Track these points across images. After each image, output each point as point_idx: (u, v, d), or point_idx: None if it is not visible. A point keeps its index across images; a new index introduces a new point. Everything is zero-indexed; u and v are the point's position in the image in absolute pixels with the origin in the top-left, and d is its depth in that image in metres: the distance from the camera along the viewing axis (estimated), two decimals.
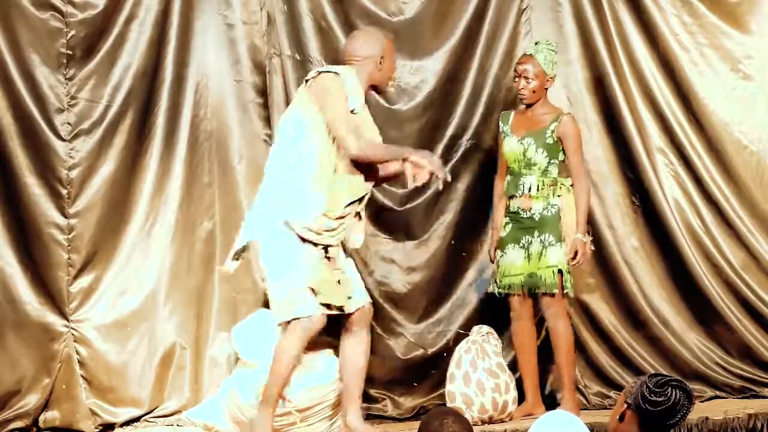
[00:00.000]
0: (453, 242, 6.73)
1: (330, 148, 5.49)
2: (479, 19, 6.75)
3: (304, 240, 5.48)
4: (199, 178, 6.64)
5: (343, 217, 5.53)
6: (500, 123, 6.32)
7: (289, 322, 5.48)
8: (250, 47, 6.69)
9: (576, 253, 6.11)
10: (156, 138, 6.58)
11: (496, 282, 6.29)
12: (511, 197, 6.24)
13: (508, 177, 6.25)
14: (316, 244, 5.49)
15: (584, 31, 6.78)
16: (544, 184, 6.15)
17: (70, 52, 6.49)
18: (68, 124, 6.49)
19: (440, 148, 6.69)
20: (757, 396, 6.40)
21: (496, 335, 6.32)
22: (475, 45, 6.76)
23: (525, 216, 6.17)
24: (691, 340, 6.64)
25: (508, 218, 6.24)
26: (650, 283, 6.71)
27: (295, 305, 5.45)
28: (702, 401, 6.38)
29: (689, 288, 6.65)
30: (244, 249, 5.73)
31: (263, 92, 6.68)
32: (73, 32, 6.49)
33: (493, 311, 6.63)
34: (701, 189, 6.72)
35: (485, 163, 6.71)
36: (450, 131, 6.75)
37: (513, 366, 6.39)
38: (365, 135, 5.54)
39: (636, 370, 6.56)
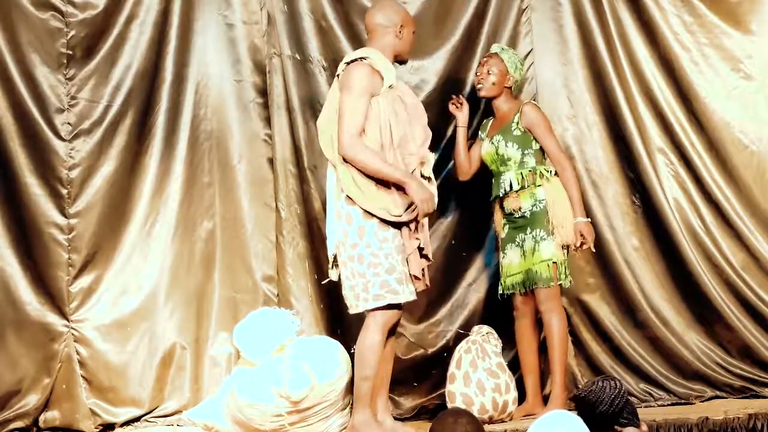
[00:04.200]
0: (453, 242, 6.73)
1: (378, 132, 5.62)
2: (479, 19, 6.76)
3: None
4: (199, 178, 6.64)
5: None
6: (480, 133, 6.45)
7: None
8: (250, 47, 6.70)
9: (582, 236, 6.16)
10: (156, 138, 6.60)
11: (501, 283, 6.36)
12: (501, 199, 6.31)
13: (493, 180, 6.36)
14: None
15: (584, 31, 6.78)
16: (522, 177, 6.24)
17: (70, 52, 6.50)
18: (68, 124, 6.51)
19: (440, 148, 6.69)
20: (757, 396, 6.39)
21: (496, 335, 6.32)
22: (475, 45, 6.76)
23: (517, 216, 6.25)
24: (691, 340, 6.63)
25: (505, 220, 6.32)
26: (650, 283, 6.70)
27: None
28: (702, 401, 6.39)
29: (689, 288, 6.64)
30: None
31: (263, 92, 6.69)
32: (73, 32, 6.50)
33: (493, 311, 6.64)
34: (701, 189, 6.71)
35: (485, 163, 6.71)
36: (450, 131, 6.74)
37: (513, 366, 6.39)
38: (368, 144, 5.58)
39: (636, 370, 6.56)
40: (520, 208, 6.24)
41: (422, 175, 5.73)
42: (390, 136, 5.62)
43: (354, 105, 5.57)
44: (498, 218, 6.43)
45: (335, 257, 5.76)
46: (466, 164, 6.46)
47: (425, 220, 5.72)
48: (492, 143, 6.31)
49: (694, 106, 6.73)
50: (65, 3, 6.50)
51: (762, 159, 6.69)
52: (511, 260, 6.27)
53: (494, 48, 6.46)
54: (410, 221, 5.61)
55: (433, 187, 5.76)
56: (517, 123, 6.27)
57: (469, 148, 6.48)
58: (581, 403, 4.10)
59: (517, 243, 6.25)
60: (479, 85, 6.37)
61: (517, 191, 6.24)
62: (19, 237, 6.44)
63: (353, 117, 5.56)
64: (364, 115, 5.59)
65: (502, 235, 6.34)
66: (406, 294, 5.61)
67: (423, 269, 5.72)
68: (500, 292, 6.35)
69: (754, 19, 6.72)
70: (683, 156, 6.72)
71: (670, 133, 6.73)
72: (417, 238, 5.66)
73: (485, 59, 6.40)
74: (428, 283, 5.79)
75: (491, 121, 6.46)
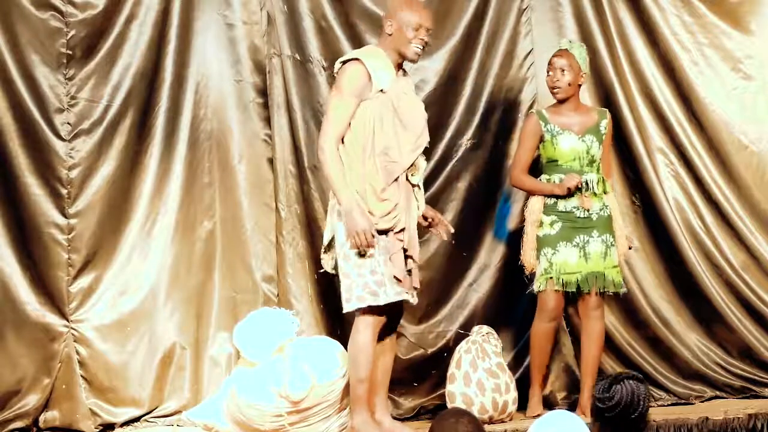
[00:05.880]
0: (453, 242, 6.72)
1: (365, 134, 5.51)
2: (479, 19, 6.76)
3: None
4: (199, 178, 6.64)
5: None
6: (540, 121, 6.18)
7: None
8: (250, 47, 6.70)
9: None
10: (156, 138, 6.59)
11: (539, 279, 6.12)
12: (565, 196, 6.11)
13: (562, 175, 6.12)
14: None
15: (584, 31, 6.78)
16: (600, 180, 6.14)
17: (70, 52, 6.50)
18: (68, 124, 6.50)
19: (440, 148, 6.70)
20: (757, 396, 6.40)
21: (496, 335, 6.32)
22: (475, 45, 6.76)
23: (581, 216, 6.11)
24: (691, 340, 6.64)
25: (555, 216, 6.12)
26: (650, 283, 6.71)
27: None
28: (702, 401, 6.40)
29: (689, 288, 6.65)
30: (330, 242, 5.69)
31: (263, 92, 6.68)
32: (73, 32, 6.50)
33: (493, 311, 6.64)
34: (701, 189, 6.72)
35: (485, 163, 6.72)
36: (450, 131, 6.75)
37: (513, 366, 6.39)
38: (352, 145, 5.50)
39: (636, 370, 6.53)
40: (589, 209, 6.11)
41: (410, 182, 5.61)
42: (372, 144, 5.50)
43: (338, 109, 5.49)
44: (536, 214, 6.17)
45: (329, 244, 5.67)
46: None
47: (413, 224, 5.62)
48: (583, 141, 6.13)
49: (694, 106, 6.74)
50: (65, 3, 6.49)
51: (762, 159, 6.71)
52: (566, 258, 6.09)
53: (563, 44, 6.24)
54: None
55: (420, 194, 5.68)
56: (606, 127, 6.19)
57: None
58: (610, 410, 3.93)
59: (575, 243, 6.08)
60: (555, 89, 6.15)
61: (592, 193, 6.10)
62: (19, 237, 6.43)
63: (335, 121, 5.48)
64: (348, 120, 5.49)
65: (549, 231, 6.10)
66: (390, 295, 5.47)
67: (410, 270, 5.61)
68: (539, 288, 6.09)
69: (754, 20, 6.74)
70: (683, 156, 6.73)
71: (670, 133, 6.74)
72: (400, 240, 5.55)
73: (555, 58, 6.16)
74: (417, 285, 5.66)
75: (549, 113, 6.18)
